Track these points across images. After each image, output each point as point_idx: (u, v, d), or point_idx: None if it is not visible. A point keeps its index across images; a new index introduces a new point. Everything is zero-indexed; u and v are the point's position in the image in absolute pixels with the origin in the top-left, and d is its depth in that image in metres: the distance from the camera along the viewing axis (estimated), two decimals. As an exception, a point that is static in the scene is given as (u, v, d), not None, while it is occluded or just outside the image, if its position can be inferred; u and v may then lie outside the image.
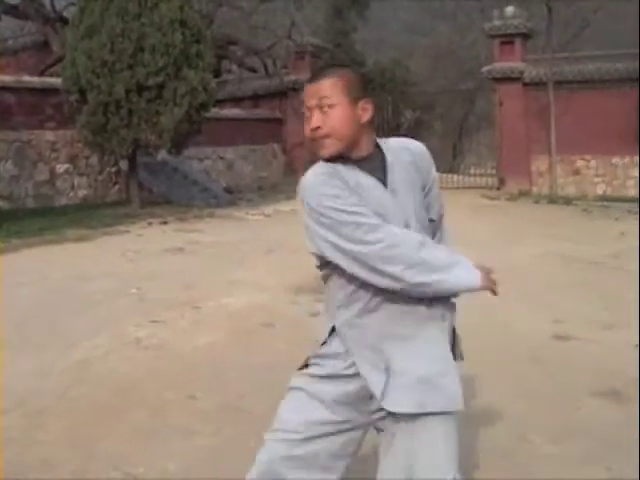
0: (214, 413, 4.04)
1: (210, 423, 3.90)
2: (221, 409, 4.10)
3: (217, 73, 20.27)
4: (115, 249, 9.96)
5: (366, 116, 2.14)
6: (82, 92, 13.26)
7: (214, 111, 15.48)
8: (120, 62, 12.74)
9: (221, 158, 19.80)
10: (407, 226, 2.12)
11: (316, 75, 2.15)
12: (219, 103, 17.45)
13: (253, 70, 24.75)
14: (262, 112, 21.67)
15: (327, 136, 2.10)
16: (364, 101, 2.14)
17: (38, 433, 3.79)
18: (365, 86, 2.19)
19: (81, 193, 15.39)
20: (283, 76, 21.33)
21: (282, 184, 20.27)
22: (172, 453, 3.53)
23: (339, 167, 2.12)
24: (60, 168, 14.95)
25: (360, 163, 2.14)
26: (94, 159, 15.50)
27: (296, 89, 20.71)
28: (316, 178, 2.12)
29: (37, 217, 12.58)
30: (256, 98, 22.12)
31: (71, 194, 15.21)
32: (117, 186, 16.15)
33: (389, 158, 2.17)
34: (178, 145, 14.25)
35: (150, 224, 12.58)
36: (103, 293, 7.13)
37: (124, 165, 15.45)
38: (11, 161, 13.92)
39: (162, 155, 16.01)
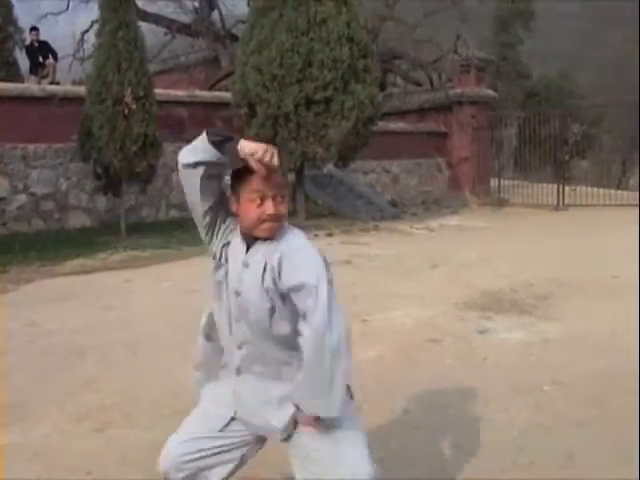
0: (381, 427, 4.05)
1: (377, 437, 3.90)
2: (388, 423, 4.11)
3: (382, 87, 20.45)
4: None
5: None
6: (251, 106, 13.76)
7: (380, 124, 15.60)
8: (289, 76, 13.11)
9: (386, 171, 19.98)
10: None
11: (274, 168, 2.26)
12: (384, 116, 17.58)
13: (418, 84, 24.84)
14: (427, 126, 21.66)
15: (278, 220, 2.33)
16: None
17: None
18: None
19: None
20: (448, 90, 21.24)
21: (447, 199, 20.21)
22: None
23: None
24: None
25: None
26: (261, 171, 15.97)
27: (461, 103, 20.71)
28: None
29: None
30: (421, 112, 22.19)
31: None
32: (283, 197, 16.55)
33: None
34: (345, 158, 14.51)
35: (316, 236, 12.76)
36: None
37: (291, 177, 15.85)
38: (181, 172, 14.67)
39: (328, 168, 16.31)
